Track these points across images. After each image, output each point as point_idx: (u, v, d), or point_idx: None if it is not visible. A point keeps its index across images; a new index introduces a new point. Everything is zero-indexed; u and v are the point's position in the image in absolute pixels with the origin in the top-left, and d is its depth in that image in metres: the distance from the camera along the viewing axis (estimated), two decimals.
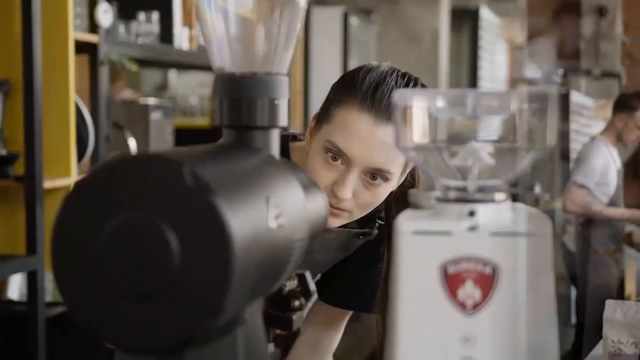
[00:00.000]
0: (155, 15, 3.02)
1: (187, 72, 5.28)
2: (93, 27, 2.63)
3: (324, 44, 4.62)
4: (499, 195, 0.70)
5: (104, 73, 2.65)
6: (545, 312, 0.67)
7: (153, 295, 0.60)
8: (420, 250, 0.68)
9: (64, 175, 2.47)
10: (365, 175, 1.26)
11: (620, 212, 4.40)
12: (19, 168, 2.35)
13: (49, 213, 2.38)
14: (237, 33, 0.80)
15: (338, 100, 1.27)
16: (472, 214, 0.68)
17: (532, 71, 5.27)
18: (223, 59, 0.81)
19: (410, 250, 0.68)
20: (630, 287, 4.54)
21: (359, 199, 1.27)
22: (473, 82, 7.46)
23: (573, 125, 6.28)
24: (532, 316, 0.66)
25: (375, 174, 1.25)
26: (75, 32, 2.52)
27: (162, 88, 5.90)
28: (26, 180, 2.28)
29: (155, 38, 3.04)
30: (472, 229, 0.67)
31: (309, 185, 0.84)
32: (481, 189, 0.70)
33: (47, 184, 2.37)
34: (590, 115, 6.99)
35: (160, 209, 0.60)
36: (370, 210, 1.31)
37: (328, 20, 4.66)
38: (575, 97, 6.88)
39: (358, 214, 1.30)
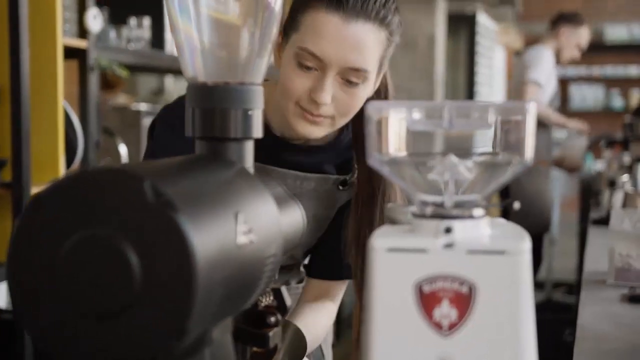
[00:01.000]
0: (146, 21, 3.00)
1: (183, 77, 5.25)
2: (83, 32, 2.60)
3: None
4: (477, 211, 0.68)
5: (93, 79, 2.62)
6: (524, 332, 0.64)
7: (113, 315, 0.57)
8: (394, 268, 0.65)
9: (52, 181, 2.43)
10: (342, 78, 1.23)
11: (563, 120, 4.53)
12: (6, 174, 2.32)
13: None
14: (210, 41, 0.78)
15: (304, 5, 1.24)
16: (448, 230, 0.66)
17: None
18: (196, 68, 0.79)
19: (384, 268, 0.66)
20: None
21: (339, 103, 1.24)
22: (470, 87, 7.44)
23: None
24: (510, 337, 0.64)
25: (351, 77, 1.22)
26: (65, 38, 2.49)
27: (158, 93, 5.87)
28: (13, 187, 2.25)
29: (147, 43, 3.01)
30: (448, 246, 0.65)
31: (284, 198, 0.82)
32: (459, 204, 0.68)
33: (35, 190, 2.34)
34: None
35: (121, 225, 0.57)
36: (351, 117, 1.28)
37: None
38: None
39: (340, 121, 1.27)
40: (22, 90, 2.28)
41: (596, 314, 1.52)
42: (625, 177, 3.01)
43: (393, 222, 0.73)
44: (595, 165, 8.66)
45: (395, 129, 0.68)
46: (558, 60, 4.53)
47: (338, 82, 1.23)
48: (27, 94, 2.29)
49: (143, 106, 3.11)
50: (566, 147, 4.73)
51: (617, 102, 9.93)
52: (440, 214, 0.67)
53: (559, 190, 5.80)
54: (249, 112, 0.77)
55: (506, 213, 4.40)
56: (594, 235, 2.72)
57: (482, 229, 0.67)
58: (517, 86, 4.50)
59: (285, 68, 1.25)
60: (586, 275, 1.94)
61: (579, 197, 5.48)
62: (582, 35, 4.47)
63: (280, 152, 1.36)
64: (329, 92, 1.22)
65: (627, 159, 3.91)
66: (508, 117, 0.67)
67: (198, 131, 0.77)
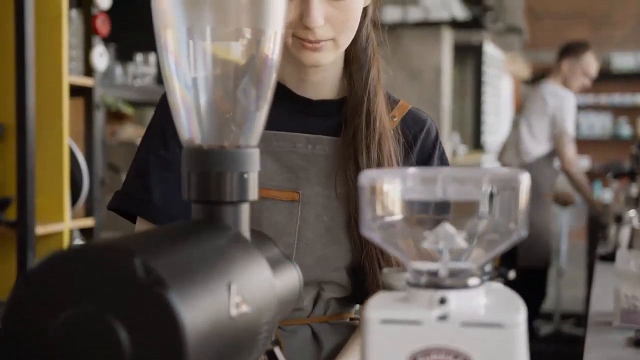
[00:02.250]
0: (152, 57, 3.01)
1: None
2: (89, 70, 2.62)
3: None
4: (472, 280, 0.67)
5: (99, 116, 2.63)
6: None
7: None
8: (388, 340, 0.65)
9: (57, 220, 2.44)
10: None
11: (589, 194, 4.55)
12: (11, 213, 2.33)
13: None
14: (206, 104, 0.78)
15: None
16: (443, 301, 0.65)
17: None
18: (191, 130, 0.79)
19: (378, 340, 0.65)
20: None
21: (334, 21, 1.17)
22: (477, 116, 7.44)
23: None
24: None
25: None
26: (71, 76, 2.50)
27: None
28: (18, 226, 2.25)
29: (152, 79, 3.03)
30: (443, 318, 0.64)
31: (279, 260, 0.81)
32: (453, 273, 0.67)
33: (40, 229, 2.35)
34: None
35: (111, 302, 0.57)
36: (353, 32, 1.20)
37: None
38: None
39: (343, 40, 1.19)
40: (28, 129, 2.29)
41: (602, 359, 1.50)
42: (632, 213, 2.99)
43: (389, 287, 0.73)
44: (603, 195, 8.65)
45: (388, 198, 0.67)
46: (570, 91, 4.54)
47: (326, 0, 1.15)
48: (32, 132, 2.30)
49: None
50: (560, 182, 4.73)
51: (625, 130, 9.93)
52: (434, 283, 0.67)
53: (567, 221, 5.79)
54: (245, 175, 0.77)
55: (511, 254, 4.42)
56: (601, 272, 2.70)
57: (477, 298, 0.67)
58: (540, 129, 4.43)
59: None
60: (592, 316, 1.92)
61: (587, 229, 5.46)
62: (586, 63, 4.46)
63: (292, 113, 1.28)
64: (319, 13, 1.14)
65: (634, 190, 3.89)
66: (502, 186, 0.66)
67: (193, 194, 0.77)
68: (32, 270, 0.60)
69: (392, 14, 5.12)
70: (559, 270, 5.45)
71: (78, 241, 2.74)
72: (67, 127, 2.45)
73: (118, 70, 2.89)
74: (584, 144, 10.11)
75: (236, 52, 0.78)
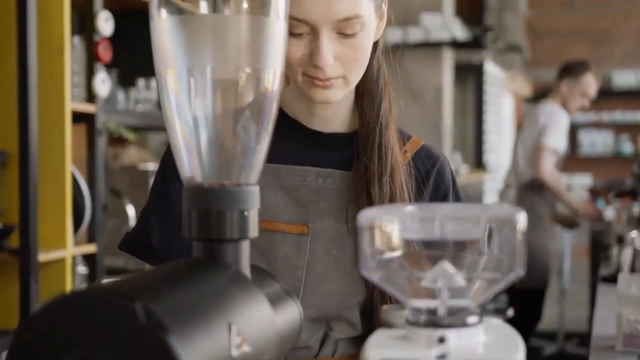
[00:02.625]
0: (154, 82, 3.03)
1: None
2: (91, 96, 2.63)
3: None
4: (471, 319, 0.68)
5: (101, 142, 2.65)
6: None
7: None
8: None
9: (59, 247, 2.45)
10: (337, 33, 1.13)
11: (576, 202, 4.54)
12: (13, 240, 2.33)
13: (43, 287, 2.36)
14: (207, 143, 0.79)
15: None
16: (442, 340, 0.66)
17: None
18: (192, 168, 0.79)
19: None
20: None
21: (343, 59, 1.15)
22: (478, 135, 7.46)
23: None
24: None
25: (345, 29, 1.13)
26: (73, 103, 2.52)
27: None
28: (21, 254, 2.26)
29: (154, 104, 3.04)
30: (442, 357, 0.65)
31: (280, 296, 0.82)
32: (452, 312, 0.68)
33: (42, 256, 2.35)
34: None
35: (113, 347, 0.58)
36: (364, 68, 1.18)
37: None
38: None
39: (353, 77, 1.18)
40: (30, 156, 2.30)
41: None
42: (634, 233, 2.99)
43: (388, 325, 0.73)
44: (606, 211, 8.62)
45: (386, 237, 0.68)
46: (567, 111, 4.55)
47: (335, 38, 1.14)
48: (35, 159, 2.32)
49: (151, 166, 3.13)
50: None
51: (627, 147, 9.94)
52: (433, 322, 0.67)
53: (569, 240, 5.78)
54: (245, 213, 0.78)
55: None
56: (603, 293, 2.69)
57: (476, 336, 0.67)
58: (532, 147, 4.46)
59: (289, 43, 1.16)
60: (595, 339, 1.92)
61: (589, 248, 5.45)
62: (585, 84, 4.48)
63: (303, 146, 1.27)
64: (328, 52, 1.13)
65: (636, 209, 3.88)
66: (500, 225, 0.67)
67: (194, 232, 0.78)
68: (33, 314, 0.61)
69: (392, 34, 5.14)
70: (562, 289, 5.44)
71: (81, 267, 2.75)
72: (69, 153, 2.46)
73: (120, 95, 2.91)
74: (585, 162, 10.13)
75: (236, 90, 0.78)
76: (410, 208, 0.70)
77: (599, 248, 4.45)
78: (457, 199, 1.27)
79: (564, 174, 10.06)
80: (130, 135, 2.76)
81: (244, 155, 0.80)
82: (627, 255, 2.85)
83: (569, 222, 4.85)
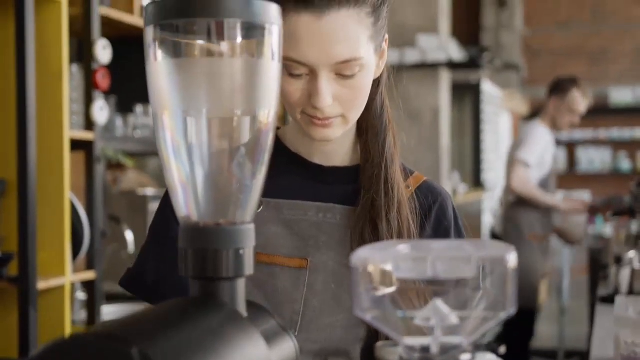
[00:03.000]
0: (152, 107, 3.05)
1: None
2: (89, 124, 2.65)
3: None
4: (464, 356, 0.69)
5: (99, 169, 2.66)
6: None
7: None
8: None
9: (58, 274, 2.45)
10: (336, 74, 1.14)
11: (554, 201, 4.51)
12: (12, 269, 2.34)
13: (42, 315, 2.36)
14: (202, 181, 0.80)
15: (284, 13, 1.16)
16: None
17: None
18: (188, 208, 0.81)
19: None
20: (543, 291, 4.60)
21: (342, 99, 1.15)
22: (476, 154, 7.48)
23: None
24: None
25: (344, 70, 1.13)
26: (72, 130, 2.53)
27: None
28: (20, 282, 2.27)
29: (152, 130, 3.06)
30: None
31: (276, 332, 0.82)
32: (445, 349, 0.69)
33: (42, 284, 2.36)
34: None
35: None
36: (362, 107, 1.18)
37: None
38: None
39: (352, 116, 1.18)
40: (29, 184, 2.31)
41: None
42: (632, 254, 2.99)
43: None
44: (605, 228, 8.63)
45: (380, 277, 0.69)
46: (558, 128, 4.56)
47: (334, 79, 1.14)
48: (34, 188, 2.33)
49: (150, 191, 3.15)
50: (566, 220, 4.74)
51: (625, 164, 9.96)
52: (427, 359, 0.68)
53: (568, 258, 5.78)
54: (241, 252, 0.79)
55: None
56: (602, 314, 2.70)
57: None
58: (508, 162, 4.54)
59: (281, 82, 1.20)
60: None
61: (588, 267, 5.46)
62: (571, 100, 4.48)
63: (305, 180, 1.27)
64: (327, 93, 1.13)
65: (635, 227, 3.89)
66: (491, 265, 0.68)
67: (190, 271, 0.79)
68: (32, 358, 0.62)
69: (390, 56, 5.15)
70: (561, 308, 5.44)
71: (80, 294, 2.75)
72: (68, 181, 2.47)
73: (119, 121, 2.93)
74: (584, 179, 10.15)
75: (231, 130, 0.80)
76: (403, 247, 0.71)
77: (598, 267, 4.45)
78: (459, 235, 1.29)
79: (563, 191, 10.08)
80: (128, 162, 2.78)
81: (240, 194, 0.81)
82: (625, 275, 2.86)
83: (568, 237, 4.85)
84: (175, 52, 0.78)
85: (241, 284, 0.79)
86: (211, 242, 0.78)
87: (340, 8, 1.11)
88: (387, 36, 1.23)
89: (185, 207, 0.81)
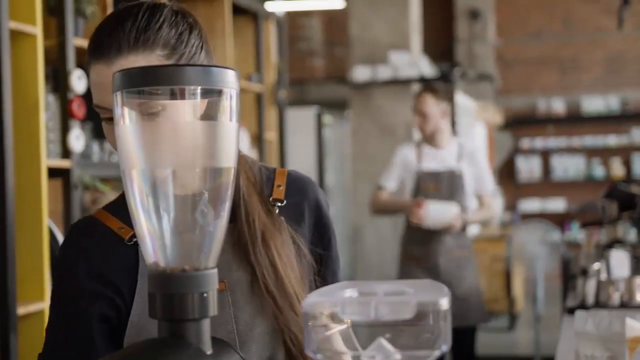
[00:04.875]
0: None
1: None
2: (66, 151, 2.71)
3: (299, 143, 4.72)
4: None
5: (77, 196, 2.72)
6: None
7: None
8: None
9: (37, 299, 2.51)
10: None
11: (397, 201, 4.22)
12: None
13: (22, 340, 2.42)
14: (168, 232, 0.87)
15: (86, 66, 1.22)
16: None
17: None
18: (156, 255, 0.88)
19: None
20: None
21: None
22: None
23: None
24: None
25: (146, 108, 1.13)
26: (49, 159, 2.59)
27: None
28: (0, 309, 2.32)
29: None
30: None
31: None
32: None
33: (21, 310, 2.41)
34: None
35: None
36: None
37: (303, 120, 4.78)
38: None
39: None
40: (8, 212, 2.37)
41: None
42: (597, 265, 3.07)
43: None
44: (579, 235, 8.74)
45: (329, 320, 0.77)
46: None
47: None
48: (12, 215, 2.39)
49: None
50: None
51: (599, 171, 10.12)
52: None
53: (542, 267, 5.88)
54: (205, 295, 0.86)
55: None
56: (568, 325, 2.75)
57: None
58: None
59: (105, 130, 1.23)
60: None
61: (561, 275, 5.56)
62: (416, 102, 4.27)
63: None
64: None
65: (603, 237, 3.97)
66: (426, 308, 0.76)
67: (159, 313, 0.86)
68: None
69: (362, 73, 5.26)
70: (536, 315, 5.53)
71: None
72: (46, 209, 2.53)
73: (95, 147, 2.99)
74: (559, 186, 10.29)
75: (194, 184, 0.87)
76: (349, 292, 0.79)
77: (568, 275, 4.52)
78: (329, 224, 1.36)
79: (538, 199, 10.24)
80: (105, 189, 2.84)
81: (203, 239, 0.89)
82: (591, 287, 2.92)
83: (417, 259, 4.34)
84: (141, 116, 0.86)
85: (206, 324, 0.87)
86: (178, 287, 0.85)
87: (128, 54, 1.18)
88: None
89: (154, 254, 0.88)
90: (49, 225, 2.57)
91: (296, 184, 1.36)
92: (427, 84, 4.39)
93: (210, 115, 0.86)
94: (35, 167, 2.50)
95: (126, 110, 0.86)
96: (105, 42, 1.19)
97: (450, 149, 4.20)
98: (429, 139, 4.17)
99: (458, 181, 4.14)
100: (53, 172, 2.64)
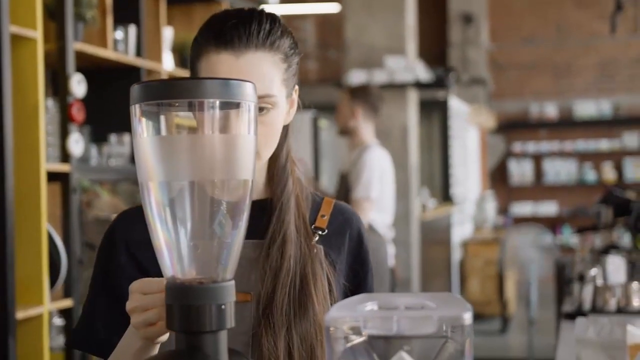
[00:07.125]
0: (126, 137, 3.11)
1: None
2: (65, 155, 2.70)
3: (295, 148, 4.67)
4: None
5: (75, 200, 2.72)
6: None
7: None
8: None
9: (36, 304, 2.50)
10: None
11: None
12: None
13: (21, 344, 2.41)
14: (186, 245, 0.87)
15: (197, 52, 1.23)
16: None
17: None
18: (174, 268, 0.88)
19: None
20: None
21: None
22: (445, 169, 7.58)
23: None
24: None
25: (259, 103, 1.15)
26: (48, 163, 2.59)
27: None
28: None
29: (127, 158, 3.12)
30: None
31: None
32: None
33: (20, 314, 2.41)
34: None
35: None
36: (274, 144, 1.25)
37: (298, 125, 4.73)
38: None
39: (264, 152, 1.25)
40: (7, 217, 2.37)
41: None
42: (594, 271, 3.07)
43: None
44: (572, 239, 8.76)
45: (350, 334, 0.77)
46: None
47: None
48: (12, 220, 2.38)
49: None
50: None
51: (590, 175, 10.15)
52: None
53: (536, 272, 5.89)
54: (222, 307, 0.86)
55: None
56: (566, 331, 2.76)
57: None
58: None
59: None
60: None
61: (554, 279, 5.56)
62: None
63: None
64: None
65: (598, 242, 3.97)
66: (450, 322, 0.76)
67: (176, 325, 0.86)
68: None
69: (358, 77, 5.27)
70: (530, 319, 5.55)
71: (57, 319, 2.80)
72: (45, 213, 2.52)
73: (93, 151, 2.98)
74: (551, 190, 10.32)
75: (212, 198, 0.87)
76: (369, 306, 0.79)
77: (563, 279, 4.51)
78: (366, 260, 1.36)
79: (531, 203, 10.27)
80: (103, 193, 2.84)
81: (220, 252, 0.89)
82: (588, 292, 2.92)
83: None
84: (159, 128, 0.86)
85: (223, 336, 0.87)
86: (195, 299, 0.86)
87: (256, 50, 1.21)
88: (297, 87, 1.32)
89: (171, 267, 0.88)
90: (48, 230, 2.57)
91: (342, 215, 1.36)
92: (351, 87, 4.33)
93: (228, 127, 0.86)
94: (35, 171, 2.49)
95: (144, 122, 0.86)
96: (230, 34, 1.21)
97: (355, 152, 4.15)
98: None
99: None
100: (52, 176, 2.64)
